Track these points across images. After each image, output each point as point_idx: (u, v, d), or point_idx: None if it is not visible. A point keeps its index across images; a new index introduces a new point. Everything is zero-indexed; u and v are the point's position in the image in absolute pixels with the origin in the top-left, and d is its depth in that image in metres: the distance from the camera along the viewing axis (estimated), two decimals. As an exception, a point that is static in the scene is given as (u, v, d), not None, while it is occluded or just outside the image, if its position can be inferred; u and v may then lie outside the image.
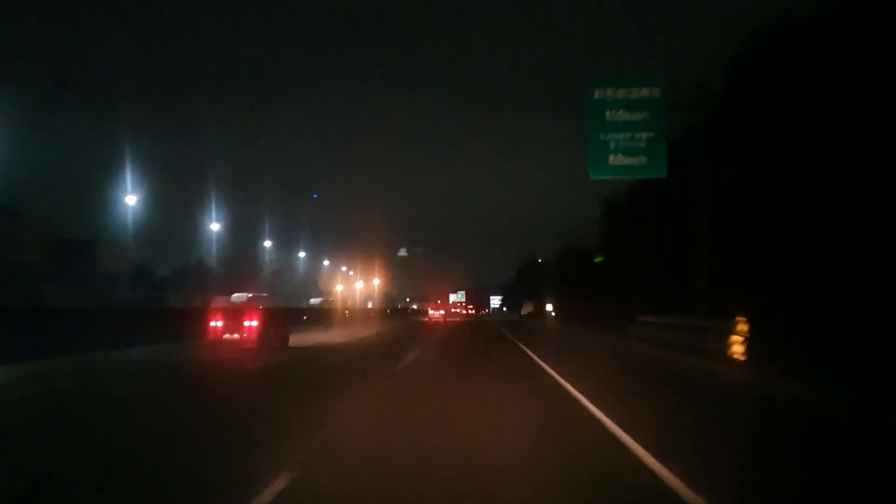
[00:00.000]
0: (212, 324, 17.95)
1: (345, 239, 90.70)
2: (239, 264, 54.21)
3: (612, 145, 17.71)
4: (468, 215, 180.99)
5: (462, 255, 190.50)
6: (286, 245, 62.54)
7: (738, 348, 14.09)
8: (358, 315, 56.03)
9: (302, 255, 65.03)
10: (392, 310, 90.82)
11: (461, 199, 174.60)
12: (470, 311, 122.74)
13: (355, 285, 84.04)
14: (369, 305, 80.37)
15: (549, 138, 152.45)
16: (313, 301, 57.89)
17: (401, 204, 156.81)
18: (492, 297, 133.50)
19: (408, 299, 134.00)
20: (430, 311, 77.50)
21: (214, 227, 43.29)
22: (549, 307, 61.72)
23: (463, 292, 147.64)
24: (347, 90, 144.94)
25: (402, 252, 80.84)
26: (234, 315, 17.96)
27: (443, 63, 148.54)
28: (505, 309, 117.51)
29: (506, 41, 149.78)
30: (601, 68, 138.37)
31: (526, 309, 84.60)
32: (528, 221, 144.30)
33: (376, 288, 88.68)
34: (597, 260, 50.06)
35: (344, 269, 77.92)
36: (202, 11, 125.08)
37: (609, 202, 31.73)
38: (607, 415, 7.94)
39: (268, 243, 54.71)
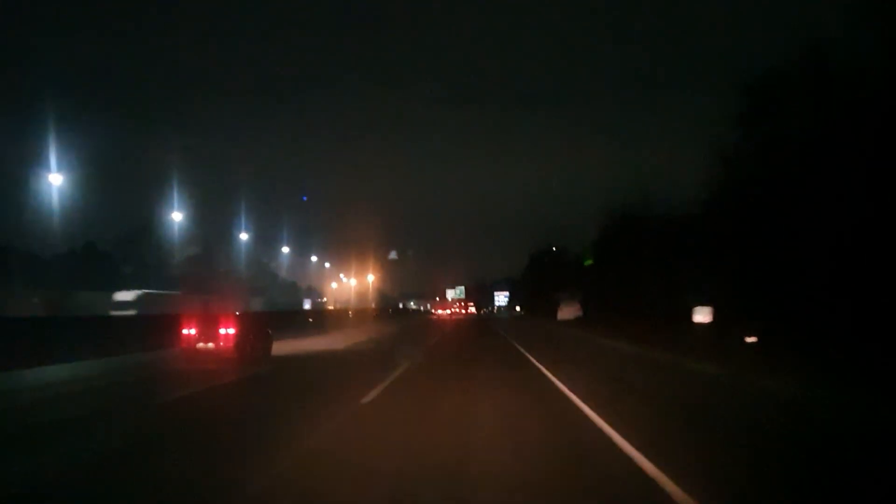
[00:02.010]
0: (184, 331, 16.15)
1: (337, 237, 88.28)
2: (139, 249, 39.84)
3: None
4: (468, 209, 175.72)
5: (462, 251, 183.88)
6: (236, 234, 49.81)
7: None
8: (352, 316, 49.34)
9: (244, 236, 47.95)
10: (388, 309, 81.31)
11: (460, 194, 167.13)
12: (468, 311, 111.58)
13: (347, 282, 78.68)
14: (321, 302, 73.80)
15: (548, 132, 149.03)
16: (129, 296, 33.46)
17: (397, 200, 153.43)
18: (496, 294, 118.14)
19: (411, 303, 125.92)
20: (439, 311, 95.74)
21: (55, 180, 28.96)
22: (700, 315, 21.93)
23: (462, 288, 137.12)
24: (341, 88, 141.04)
25: (393, 255, 79.97)
26: (209, 322, 16.30)
27: (438, 60, 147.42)
28: (519, 308, 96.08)
29: (501, 39, 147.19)
30: (596, 66, 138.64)
31: (568, 312, 46.90)
32: (529, 216, 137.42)
33: (370, 284, 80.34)
34: (587, 263, 40.44)
35: (315, 258, 67.66)
36: (194, 10, 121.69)
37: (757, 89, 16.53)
38: None
39: (177, 216, 37.28)
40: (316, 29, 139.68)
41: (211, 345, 15.80)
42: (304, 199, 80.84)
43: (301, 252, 68.97)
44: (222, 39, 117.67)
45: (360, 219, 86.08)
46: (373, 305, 74.59)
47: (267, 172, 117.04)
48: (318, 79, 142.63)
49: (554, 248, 79.76)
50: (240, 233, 47.52)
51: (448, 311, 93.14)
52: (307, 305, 70.38)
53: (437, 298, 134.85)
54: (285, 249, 58.77)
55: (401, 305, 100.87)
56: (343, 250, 72.10)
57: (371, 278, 79.23)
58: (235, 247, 47.78)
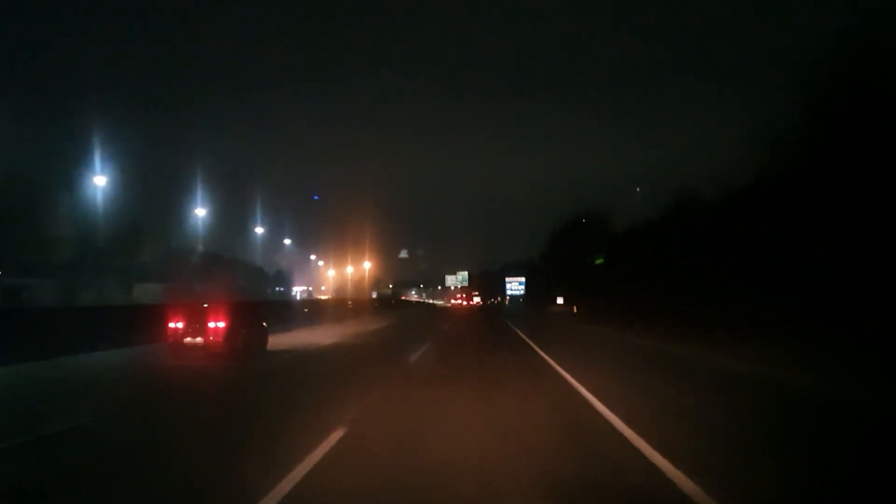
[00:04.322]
0: (170, 325, 15.33)
1: (330, 224, 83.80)
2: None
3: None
4: (472, 198, 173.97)
5: (467, 241, 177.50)
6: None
7: None
8: (350, 307, 45.63)
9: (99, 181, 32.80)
10: (348, 302, 69.92)
11: (463, 182, 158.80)
12: (471, 302, 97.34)
13: (337, 272, 72.56)
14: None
15: (547, 126, 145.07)
16: None
17: (395, 188, 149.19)
18: (508, 281, 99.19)
19: (412, 293, 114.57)
20: (452, 301, 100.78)
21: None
22: None
23: (465, 274, 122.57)
24: (349, 81, 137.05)
25: (403, 254, 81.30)
26: (198, 314, 15.25)
27: (441, 53, 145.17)
28: (562, 301, 54.18)
29: (505, 27, 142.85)
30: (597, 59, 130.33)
31: None
32: (539, 206, 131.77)
33: (367, 272, 72.18)
34: (598, 262, 37.33)
35: (260, 229, 55.20)
36: (197, 4, 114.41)
37: None
38: None
39: None
40: (323, 20, 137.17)
41: (199, 339, 15.14)
42: (316, 197, 78.56)
43: (250, 226, 54.48)
44: (221, 35, 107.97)
45: (359, 207, 79.36)
46: (368, 296, 66.24)
47: (265, 164, 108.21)
48: (324, 70, 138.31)
49: (583, 220, 64.33)
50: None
51: (461, 302, 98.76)
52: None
53: (440, 287, 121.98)
54: (200, 212, 43.12)
55: (374, 294, 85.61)
56: (339, 237, 68.38)
57: (367, 265, 71.75)
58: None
